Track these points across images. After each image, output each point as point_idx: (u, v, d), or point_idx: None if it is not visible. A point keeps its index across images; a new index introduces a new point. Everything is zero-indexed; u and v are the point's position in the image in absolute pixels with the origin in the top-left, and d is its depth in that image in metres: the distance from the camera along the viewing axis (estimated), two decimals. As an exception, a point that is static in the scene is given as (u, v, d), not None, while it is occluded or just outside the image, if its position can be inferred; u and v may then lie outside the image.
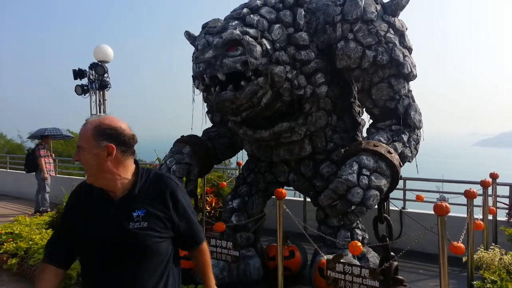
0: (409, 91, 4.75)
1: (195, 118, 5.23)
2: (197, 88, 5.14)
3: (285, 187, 5.94)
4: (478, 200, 5.05)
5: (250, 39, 4.21)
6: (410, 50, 4.75)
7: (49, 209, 9.07)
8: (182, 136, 5.65)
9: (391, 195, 6.64)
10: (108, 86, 10.20)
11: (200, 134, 5.83)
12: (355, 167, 3.97)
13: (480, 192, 4.69)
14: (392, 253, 4.06)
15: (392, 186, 4.21)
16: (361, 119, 5.74)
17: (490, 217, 5.08)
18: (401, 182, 6.67)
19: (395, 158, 4.11)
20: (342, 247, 4.79)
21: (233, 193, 5.49)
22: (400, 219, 6.06)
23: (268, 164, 5.38)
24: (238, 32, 4.20)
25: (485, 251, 4.41)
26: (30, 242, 6.00)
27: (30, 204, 10.42)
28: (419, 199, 6.05)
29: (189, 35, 5.21)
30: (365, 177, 3.91)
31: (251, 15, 4.42)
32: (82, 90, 10.13)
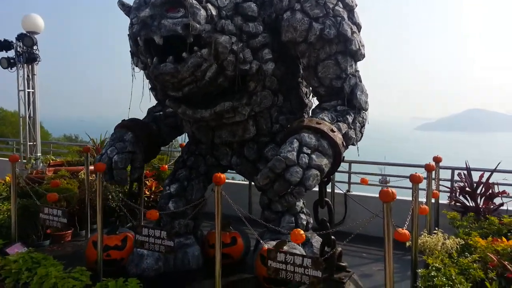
0: (357, 71, 4.54)
1: (137, 96, 4.75)
2: (136, 65, 4.65)
3: (229, 171, 5.68)
4: (422, 184, 5.03)
5: (194, 1, 3.79)
6: (359, 27, 4.53)
7: None
8: (123, 120, 5.19)
9: (336, 177, 6.65)
10: (38, 59, 9.25)
11: (140, 114, 5.37)
12: (295, 144, 3.66)
13: (425, 176, 4.62)
14: (333, 238, 3.89)
15: (334, 166, 3.96)
16: (308, 100, 5.51)
17: (433, 200, 5.05)
18: (346, 165, 6.58)
19: (338, 137, 3.85)
20: (287, 232, 4.56)
21: (171, 177, 5.11)
22: (345, 202, 5.94)
23: (210, 146, 5.03)
24: None
25: (429, 235, 4.35)
26: None
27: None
28: (363, 182, 5.97)
29: (123, 5, 4.60)
30: (306, 155, 3.60)
31: None
32: (8, 64, 9.14)
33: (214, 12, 3.92)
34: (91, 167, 5.85)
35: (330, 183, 6.16)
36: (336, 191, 6.34)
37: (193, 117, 4.40)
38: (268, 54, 4.28)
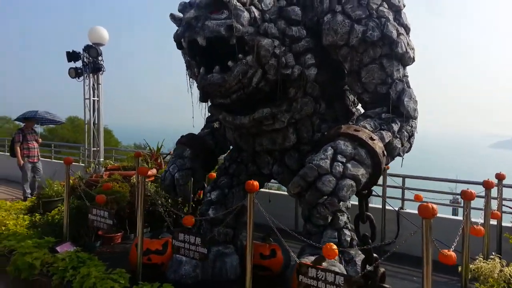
0: (405, 76, 4.25)
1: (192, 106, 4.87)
2: (190, 77, 4.70)
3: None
4: (480, 203, 4.57)
5: (238, 3, 3.80)
6: (407, 29, 4.25)
7: (29, 196, 8.74)
8: (182, 137, 5.38)
9: (388, 193, 6.28)
10: (102, 69, 9.80)
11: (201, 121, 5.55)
12: (329, 152, 3.44)
13: (483, 193, 4.21)
14: (375, 255, 3.62)
15: (374, 177, 3.64)
16: (356, 109, 5.29)
17: (494, 222, 4.58)
18: (399, 180, 6.22)
19: (377, 145, 3.56)
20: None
21: (213, 184, 5.11)
22: (398, 220, 5.58)
23: (251, 154, 4.97)
24: None
25: (484, 261, 3.93)
26: (3, 228, 5.72)
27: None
28: (417, 199, 5.57)
29: (174, 18, 4.74)
30: (340, 164, 3.36)
31: None
32: (75, 73, 9.78)
33: (257, 15, 3.91)
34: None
35: (382, 199, 5.86)
36: (387, 207, 5.98)
37: (233, 123, 4.38)
38: (311, 59, 4.15)
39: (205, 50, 3.90)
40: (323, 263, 3.73)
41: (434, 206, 2.75)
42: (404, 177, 6.19)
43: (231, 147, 5.50)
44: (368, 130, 3.69)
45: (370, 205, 6.58)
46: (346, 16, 3.95)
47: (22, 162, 8.94)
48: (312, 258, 4.02)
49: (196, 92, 4.51)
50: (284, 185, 5.08)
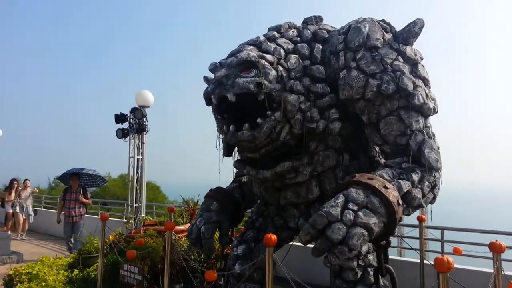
0: (426, 126, 4.23)
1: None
2: (220, 133, 4.86)
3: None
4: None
5: (266, 63, 4.06)
6: (425, 80, 4.29)
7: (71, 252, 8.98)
8: (210, 190, 5.52)
9: (427, 246, 5.98)
10: (146, 129, 10.38)
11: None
12: (340, 199, 3.41)
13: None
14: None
15: (389, 228, 3.54)
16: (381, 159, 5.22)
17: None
18: (437, 232, 5.92)
19: (391, 194, 3.49)
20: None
21: (240, 238, 5.13)
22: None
23: (278, 207, 4.98)
24: (254, 54, 4.08)
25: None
26: (43, 284, 5.94)
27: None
28: (456, 252, 5.25)
29: (207, 80, 5.05)
30: (351, 212, 3.31)
31: (268, 43, 4.32)
32: (122, 134, 10.39)
33: (284, 73, 4.16)
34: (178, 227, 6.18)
35: (419, 253, 5.57)
36: (425, 261, 5.66)
37: (256, 177, 4.48)
38: (335, 113, 4.29)
39: (233, 108, 4.11)
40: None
41: (450, 259, 2.61)
42: (443, 229, 5.90)
43: (258, 201, 5.55)
44: (385, 178, 3.65)
45: (408, 259, 6.30)
46: (360, 72, 4.06)
47: (58, 220, 9.53)
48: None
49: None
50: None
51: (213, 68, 4.29)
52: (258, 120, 4.02)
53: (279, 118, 4.05)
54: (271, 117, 4.02)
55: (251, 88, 3.92)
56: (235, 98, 3.95)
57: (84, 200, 9.24)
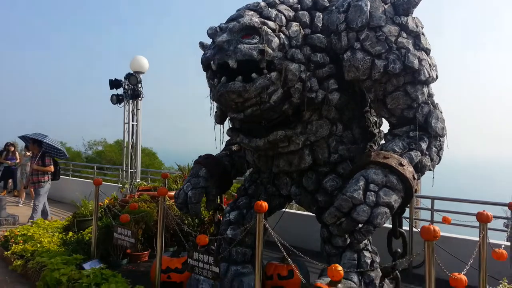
0: (430, 95, 4.25)
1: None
2: (212, 99, 4.86)
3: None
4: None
5: (269, 30, 3.97)
6: (427, 51, 4.25)
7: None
8: (199, 157, 5.52)
9: (416, 215, 6.08)
10: (141, 95, 10.32)
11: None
12: (361, 182, 3.57)
13: (506, 214, 4.01)
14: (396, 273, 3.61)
15: (406, 201, 3.76)
16: (379, 130, 5.23)
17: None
18: (428, 201, 6.01)
19: (407, 170, 3.65)
20: (348, 270, 4.28)
21: (232, 204, 5.18)
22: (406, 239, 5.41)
23: (271, 175, 5.01)
24: (257, 20, 3.97)
25: (509, 285, 3.72)
26: (38, 245, 6.05)
27: (71, 208, 10.62)
28: (445, 221, 5.34)
29: (203, 46, 4.95)
30: (373, 193, 3.50)
31: (269, 9, 4.21)
32: (117, 100, 10.33)
33: (286, 41, 4.06)
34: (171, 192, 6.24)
35: (409, 221, 5.68)
36: (415, 230, 5.78)
37: (249, 146, 4.47)
38: (333, 84, 4.25)
39: (232, 75, 3.97)
40: (339, 285, 3.67)
41: (437, 228, 2.67)
42: (433, 198, 5.98)
43: (250, 169, 5.58)
44: (397, 153, 3.79)
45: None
46: (366, 53, 3.98)
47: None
48: (328, 279, 3.96)
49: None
50: (302, 206, 5.07)
51: (213, 32, 4.16)
52: (253, 75, 3.90)
53: (274, 80, 3.96)
54: (266, 75, 3.92)
55: (254, 55, 3.83)
56: (237, 65, 3.86)
57: (40, 168, 8.64)
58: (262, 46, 3.85)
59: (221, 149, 5.58)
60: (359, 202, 3.46)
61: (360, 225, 3.51)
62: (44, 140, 8.73)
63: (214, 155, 5.52)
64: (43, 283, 4.91)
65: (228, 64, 3.83)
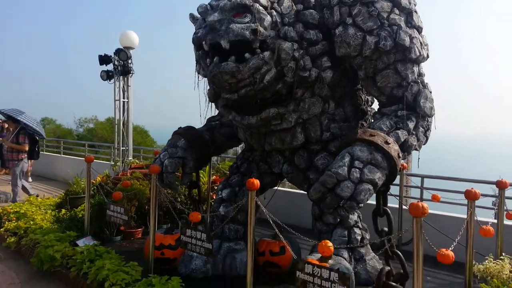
0: (420, 74, 4.27)
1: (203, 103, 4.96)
2: (198, 72, 4.90)
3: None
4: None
5: (261, 7, 3.90)
6: (419, 29, 4.24)
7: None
8: (179, 128, 5.43)
9: (408, 193, 6.18)
10: (131, 72, 10.15)
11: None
12: (347, 159, 3.62)
13: (494, 193, 4.09)
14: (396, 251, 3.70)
15: (390, 179, 3.82)
16: (371, 108, 5.24)
17: (508, 222, 4.43)
18: (417, 180, 6.09)
19: (393, 149, 3.69)
20: (338, 246, 4.36)
21: (224, 182, 5.21)
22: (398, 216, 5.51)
23: (263, 153, 5.03)
24: None
25: (494, 261, 3.82)
26: (31, 222, 6.06)
27: (63, 186, 10.60)
28: (434, 199, 5.44)
29: (193, 18, 4.85)
30: (357, 170, 3.55)
31: None
32: (107, 76, 10.17)
33: (278, 18, 3.99)
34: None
35: (398, 199, 5.76)
36: (405, 207, 5.88)
37: (242, 123, 4.46)
38: (326, 62, 4.23)
39: (224, 54, 3.91)
40: (329, 261, 3.74)
41: (425, 205, 2.72)
42: (423, 177, 6.07)
43: (239, 147, 5.58)
44: (384, 131, 3.81)
45: (389, 205, 6.53)
46: (357, 29, 3.96)
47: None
48: (319, 255, 4.04)
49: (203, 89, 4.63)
50: (294, 183, 5.12)
51: (204, 11, 4.08)
52: (246, 55, 3.85)
53: (267, 59, 3.91)
54: (259, 55, 3.87)
55: (246, 35, 3.77)
56: (229, 45, 3.79)
57: (14, 146, 8.31)
58: (255, 26, 3.78)
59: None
60: (343, 178, 3.51)
61: (343, 201, 3.56)
62: (19, 118, 8.30)
63: (196, 128, 5.44)
64: (37, 260, 4.95)
65: (221, 44, 3.79)
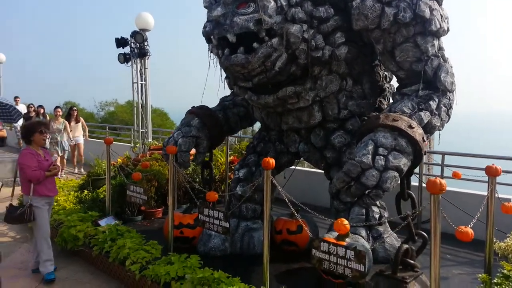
0: (440, 48, 4.08)
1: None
2: (211, 52, 4.86)
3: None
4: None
5: None
6: (439, 1, 4.05)
7: None
8: (192, 107, 5.43)
9: (426, 171, 6.06)
10: (148, 54, 10.16)
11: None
12: (370, 146, 3.46)
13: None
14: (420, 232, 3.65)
15: (415, 163, 3.67)
16: (389, 85, 5.13)
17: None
18: (438, 157, 5.98)
19: (417, 133, 3.53)
20: (355, 224, 4.34)
21: (241, 162, 5.23)
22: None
23: (279, 133, 5.00)
24: None
25: (516, 238, 3.75)
26: (55, 204, 6.22)
27: (85, 168, 10.82)
28: (455, 176, 5.32)
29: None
30: (382, 157, 3.39)
31: None
32: (124, 59, 10.22)
33: (283, 1, 3.86)
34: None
35: (418, 177, 5.67)
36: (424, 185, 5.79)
37: (258, 103, 4.42)
38: (340, 37, 4.11)
39: (234, 45, 3.88)
40: (347, 239, 3.74)
41: (443, 182, 2.66)
42: (443, 154, 5.95)
43: (251, 127, 5.56)
44: (407, 114, 3.65)
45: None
46: (375, 0, 3.81)
47: None
48: (336, 234, 4.04)
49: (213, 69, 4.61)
50: (310, 162, 5.09)
51: (208, 5, 4.05)
52: (254, 44, 3.81)
53: (276, 46, 3.84)
54: (267, 43, 3.81)
55: (250, 27, 3.71)
56: (236, 39, 3.77)
57: None
58: (258, 16, 3.69)
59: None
60: (368, 166, 3.36)
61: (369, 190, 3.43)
62: None
63: (209, 107, 5.43)
64: (61, 239, 5.11)
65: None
